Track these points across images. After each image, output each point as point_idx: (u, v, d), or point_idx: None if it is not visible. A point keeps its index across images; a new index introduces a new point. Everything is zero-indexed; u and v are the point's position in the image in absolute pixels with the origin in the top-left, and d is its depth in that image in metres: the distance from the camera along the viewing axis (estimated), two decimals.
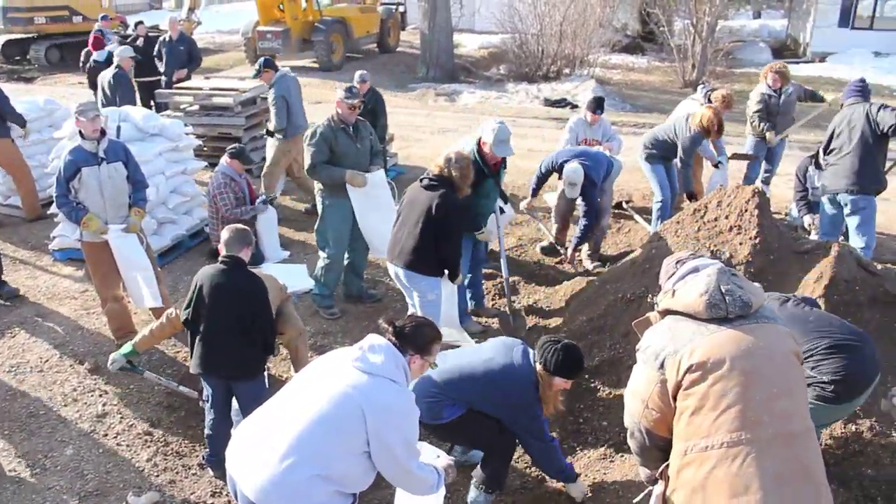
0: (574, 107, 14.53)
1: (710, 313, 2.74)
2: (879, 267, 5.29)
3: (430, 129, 12.55)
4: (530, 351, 4.08)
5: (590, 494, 4.38)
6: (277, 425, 3.05)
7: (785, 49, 24.54)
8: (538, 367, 3.97)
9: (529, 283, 6.98)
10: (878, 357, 3.93)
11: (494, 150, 5.65)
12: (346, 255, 6.48)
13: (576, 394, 5.15)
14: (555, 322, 6.03)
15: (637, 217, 8.27)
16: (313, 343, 5.96)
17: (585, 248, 7.29)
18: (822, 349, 3.77)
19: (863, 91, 6.73)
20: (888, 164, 6.92)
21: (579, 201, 6.96)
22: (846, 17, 22.41)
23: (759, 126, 8.16)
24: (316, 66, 17.96)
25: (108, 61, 10.99)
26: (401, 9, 23.65)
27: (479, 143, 5.75)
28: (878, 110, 6.30)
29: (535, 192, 7.30)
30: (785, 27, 27.03)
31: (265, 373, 4.71)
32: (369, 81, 8.95)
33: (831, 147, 6.64)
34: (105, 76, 10.20)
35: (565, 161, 6.86)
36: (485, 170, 5.72)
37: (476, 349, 4.36)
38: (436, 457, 3.61)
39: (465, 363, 4.11)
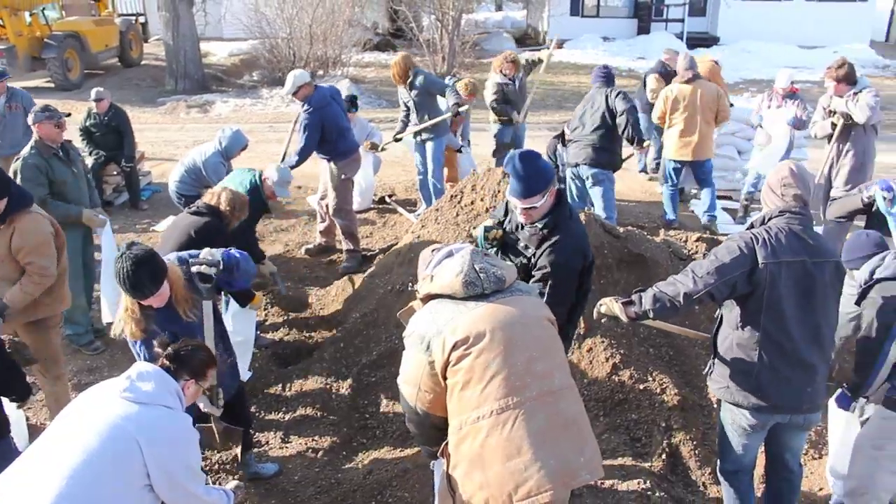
0: None
1: (468, 291, 2.87)
2: (622, 230, 5.75)
3: (185, 143, 12.00)
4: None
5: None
6: (39, 477, 2.64)
7: (526, 37, 26.13)
8: None
9: (301, 286, 6.88)
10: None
11: (277, 191, 5.90)
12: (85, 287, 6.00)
13: (358, 389, 5.15)
14: (330, 321, 5.98)
15: (401, 210, 8.42)
16: (77, 382, 5.47)
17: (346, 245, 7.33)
18: None
19: (606, 77, 7.36)
20: (625, 155, 7.61)
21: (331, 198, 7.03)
22: (576, 7, 24.35)
23: (502, 112, 8.54)
24: (52, 85, 16.53)
25: None
26: (141, 20, 22.40)
27: (261, 178, 5.87)
28: (616, 96, 6.92)
29: None
30: (525, 17, 28.76)
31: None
32: (108, 98, 8.40)
33: (575, 126, 7.20)
34: None
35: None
36: (265, 202, 5.90)
37: None
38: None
39: None
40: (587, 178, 7.16)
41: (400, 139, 8.11)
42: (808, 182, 3.60)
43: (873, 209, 5.22)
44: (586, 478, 2.87)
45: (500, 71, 8.53)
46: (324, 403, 5.20)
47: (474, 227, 5.47)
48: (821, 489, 4.57)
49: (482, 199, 5.58)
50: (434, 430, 3.02)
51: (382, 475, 4.43)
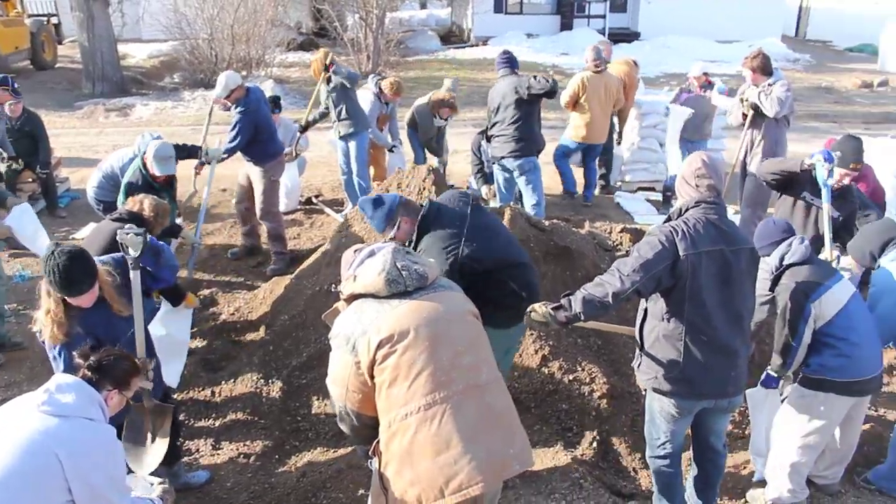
0: None
1: (391, 289, 2.88)
2: (547, 223, 5.83)
3: (105, 148, 11.64)
4: None
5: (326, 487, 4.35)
6: None
7: (451, 35, 26.22)
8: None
9: (228, 291, 6.77)
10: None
11: (156, 168, 5.76)
12: None
13: (289, 392, 5.10)
14: (258, 324, 5.90)
15: (328, 210, 8.36)
16: None
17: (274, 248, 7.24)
18: None
19: (509, 61, 7.39)
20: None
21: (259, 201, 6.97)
22: (500, 4, 24.54)
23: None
24: None
25: None
26: (53, 20, 21.61)
27: (143, 161, 5.82)
28: (526, 81, 6.97)
29: None
30: (449, 15, 28.84)
31: None
32: (22, 102, 8.11)
33: (494, 120, 7.24)
34: None
35: None
36: (154, 185, 5.79)
37: None
38: (150, 486, 3.42)
39: None
40: (514, 169, 7.25)
41: (306, 128, 8.18)
42: (720, 172, 3.72)
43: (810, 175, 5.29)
44: (517, 468, 2.90)
45: (436, 113, 8.58)
46: (254, 408, 5.13)
47: None
48: (744, 467, 4.72)
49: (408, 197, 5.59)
50: (365, 429, 3.02)
51: (316, 477, 4.40)
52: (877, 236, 4.55)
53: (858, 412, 4.31)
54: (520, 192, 7.47)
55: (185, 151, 6.43)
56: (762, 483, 4.44)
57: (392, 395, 2.80)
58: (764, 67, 6.92)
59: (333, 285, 5.30)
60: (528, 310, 3.69)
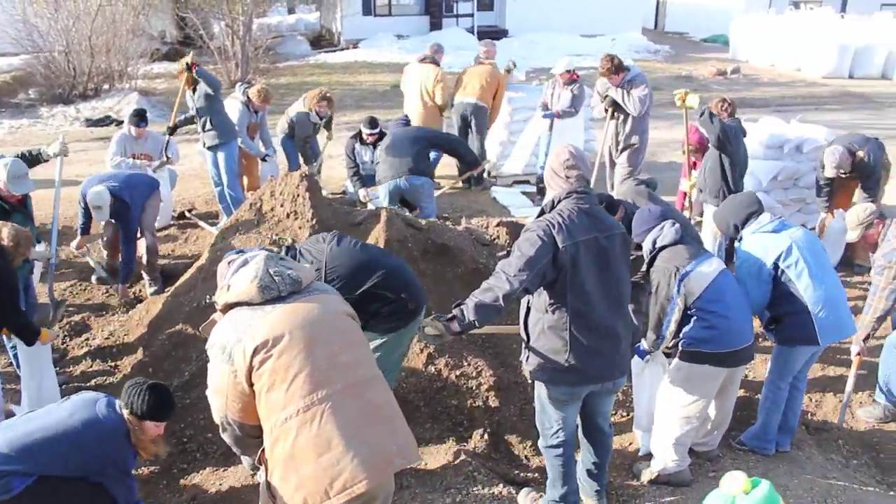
0: (119, 123, 13.72)
1: (264, 295, 2.89)
2: (423, 222, 5.88)
3: None
4: (115, 400, 3.69)
5: None
6: None
7: (321, 39, 25.98)
8: (125, 413, 3.55)
9: (101, 315, 6.48)
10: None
11: (11, 188, 5.35)
12: None
13: (175, 412, 4.93)
14: (135, 347, 5.68)
15: (202, 224, 8.14)
16: None
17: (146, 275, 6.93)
18: None
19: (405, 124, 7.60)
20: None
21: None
22: (368, 6, 24.50)
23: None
24: None
25: None
26: None
27: None
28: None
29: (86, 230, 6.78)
30: (318, 19, 28.56)
31: None
32: None
33: (388, 143, 7.22)
34: None
35: (91, 186, 6.47)
36: (6, 206, 5.39)
37: (49, 410, 3.80)
38: None
39: (38, 427, 3.50)
40: (409, 188, 7.14)
41: (173, 131, 7.92)
42: (587, 162, 3.86)
43: None
44: (401, 463, 2.93)
45: (313, 109, 8.48)
46: None
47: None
48: (630, 443, 4.91)
49: (282, 205, 5.52)
50: (249, 439, 3.01)
51: (206, 498, 4.28)
52: (741, 209, 4.81)
53: (733, 382, 4.56)
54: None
55: (30, 159, 5.97)
56: (648, 456, 4.64)
57: (271, 400, 2.79)
58: (615, 68, 7.39)
59: (210, 298, 5.17)
60: (421, 325, 3.69)
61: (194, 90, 7.50)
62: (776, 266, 4.51)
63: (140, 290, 6.88)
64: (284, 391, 2.76)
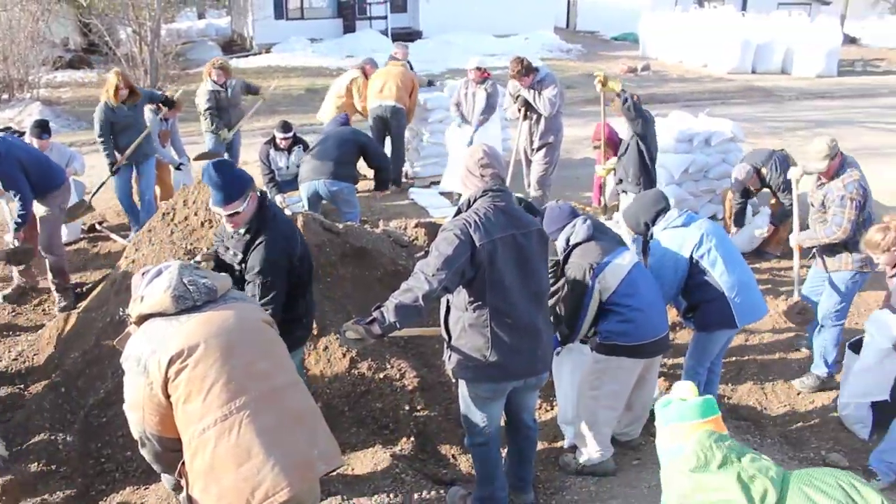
0: (21, 134, 13.17)
1: (179, 305, 2.84)
2: (341, 226, 5.83)
3: None
4: None
5: None
6: None
7: (233, 44, 25.53)
8: None
9: (7, 335, 6.21)
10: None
11: None
12: None
13: (89, 433, 4.77)
14: (46, 367, 5.47)
15: (114, 236, 7.91)
16: None
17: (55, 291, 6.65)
18: None
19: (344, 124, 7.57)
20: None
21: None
22: (280, 10, 24.19)
23: (212, 124, 8.35)
24: None
25: None
26: None
27: None
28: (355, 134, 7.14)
29: None
30: (229, 24, 28.06)
31: None
32: None
33: (316, 144, 7.16)
34: None
35: None
36: None
37: None
38: None
39: None
40: (331, 192, 7.09)
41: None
42: (501, 160, 3.90)
43: None
44: (324, 468, 2.91)
45: (211, 77, 8.32)
46: (50, 457, 4.73)
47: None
48: (555, 437, 4.98)
49: (196, 214, 5.39)
50: (169, 453, 2.95)
51: None
52: (651, 206, 4.95)
53: (651, 372, 4.68)
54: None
55: None
56: (573, 448, 4.72)
57: (188, 411, 2.74)
58: (524, 70, 7.54)
59: (123, 312, 5.02)
60: (342, 330, 3.65)
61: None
62: (691, 258, 4.66)
63: (50, 308, 6.63)
64: (202, 401, 2.72)
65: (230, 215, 3.78)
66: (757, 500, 2.16)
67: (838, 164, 5.33)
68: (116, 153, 7.33)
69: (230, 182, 3.73)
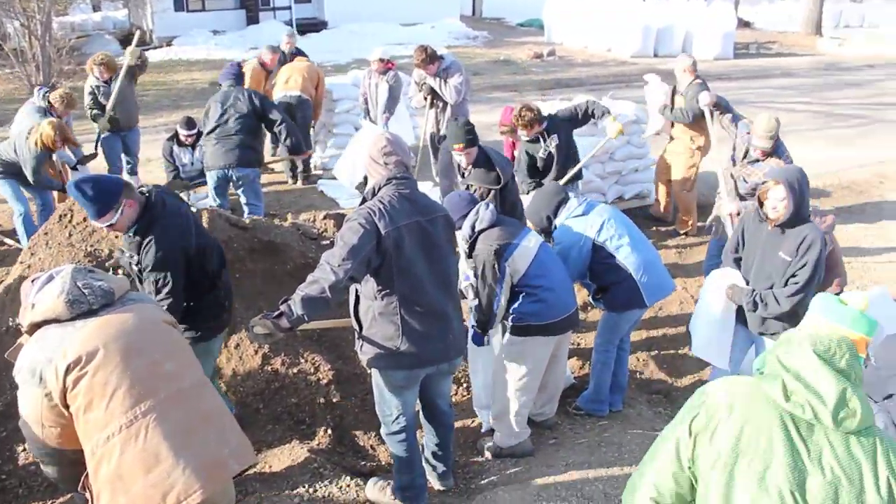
0: None
1: (73, 310, 2.73)
2: (248, 221, 5.72)
3: None
4: None
5: None
6: None
7: (132, 37, 24.60)
8: None
9: None
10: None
11: None
12: None
13: None
14: None
15: (7, 240, 7.57)
16: None
17: None
18: None
19: (236, 76, 7.25)
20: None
21: None
22: (181, 2, 23.48)
23: (96, 120, 8.05)
24: None
25: None
26: None
27: None
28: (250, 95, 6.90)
29: None
30: (127, 16, 27.07)
31: None
32: None
33: (215, 125, 6.84)
34: None
35: None
36: None
37: None
38: None
39: None
40: (237, 178, 6.92)
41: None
42: (405, 148, 3.89)
43: None
44: (236, 467, 2.86)
45: (94, 74, 8.09)
46: None
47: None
48: (472, 421, 5.03)
49: None
50: (72, 467, 2.83)
51: None
52: (551, 198, 5.04)
53: (562, 350, 4.77)
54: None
55: None
56: (490, 432, 4.77)
57: (90, 420, 2.64)
58: (429, 58, 7.57)
59: (14, 321, 4.80)
60: (250, 325, 3.59)
61: None
62: (594, 243, 4.76)
63: None
64: (104, 409, 2.62)
65: (108, 225, 3.74)
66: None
67: (776, 143, 5.76)
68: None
69: (95, 198, 3.66)
